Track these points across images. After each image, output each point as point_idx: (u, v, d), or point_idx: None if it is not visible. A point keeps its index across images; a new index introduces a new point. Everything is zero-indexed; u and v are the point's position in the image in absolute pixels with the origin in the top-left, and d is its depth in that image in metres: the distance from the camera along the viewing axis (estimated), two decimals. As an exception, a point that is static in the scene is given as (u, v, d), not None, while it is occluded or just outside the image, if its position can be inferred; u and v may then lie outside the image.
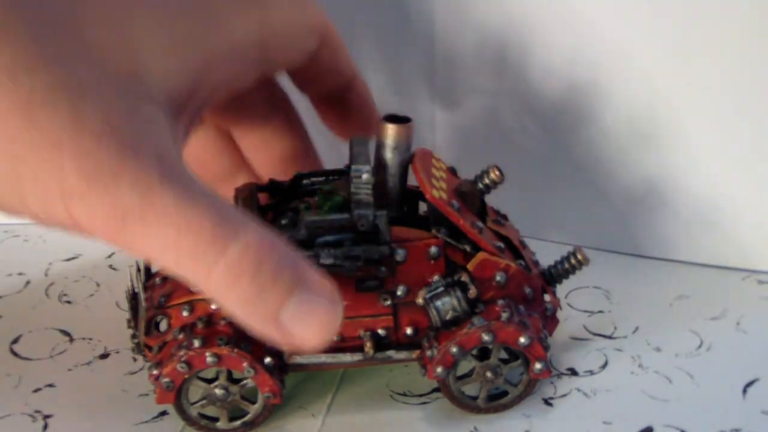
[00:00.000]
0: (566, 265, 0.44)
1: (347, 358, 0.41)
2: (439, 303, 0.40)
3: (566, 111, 0.52)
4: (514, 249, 0.43)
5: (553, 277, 0.44)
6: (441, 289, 0.40)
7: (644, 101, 0.50)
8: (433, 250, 0.41)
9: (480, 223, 0.42)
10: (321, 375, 0.45)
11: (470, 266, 0.41)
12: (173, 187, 0.32)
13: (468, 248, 0.41)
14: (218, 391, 0.41)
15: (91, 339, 0.48)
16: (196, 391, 0.41)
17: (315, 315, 0.34)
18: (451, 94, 0.55)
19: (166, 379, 0.40)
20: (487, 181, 0.43)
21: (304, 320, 0.34)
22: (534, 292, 0.42)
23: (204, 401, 0.41)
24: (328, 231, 0.40)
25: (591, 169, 0.53)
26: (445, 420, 0.42)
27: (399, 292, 0.41)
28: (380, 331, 0.41)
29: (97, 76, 0.33)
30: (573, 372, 0.45)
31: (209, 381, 0.41)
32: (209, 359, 0.40)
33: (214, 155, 0.47)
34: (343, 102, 0.45)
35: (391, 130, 0.41)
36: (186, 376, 0.40)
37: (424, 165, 0.42)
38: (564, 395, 0.43)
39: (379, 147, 0.41)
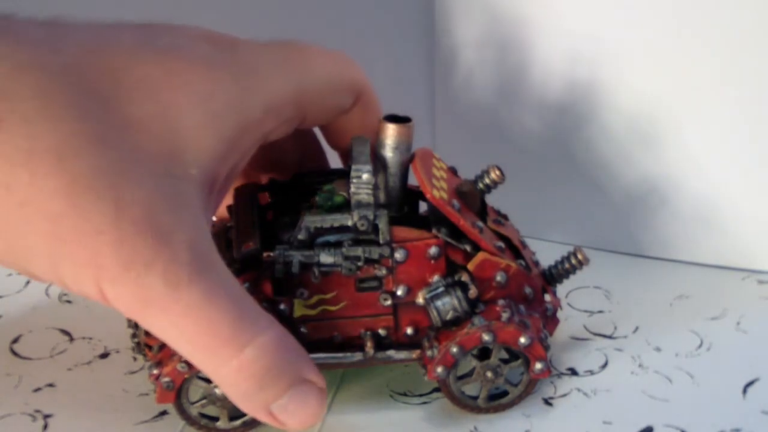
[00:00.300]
0: (566, 265, 0.44)
1: (349, 357, 0.41)
2: (439, 303, 0.40)
3: (566, 110, 0.52)
4: (515, 249, 0.43)
5: (553, 277, 0.44)
6: (441, 289, 0.41)
7: (644, 101, 0.50)
8: (434, 250, 0.40)
9: (480, 223, 0.42)
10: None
11: (471, 266, 0.41)
12: (200, 282, 0.34)
13: (468, 248, 0.41)
14: (218, 391, 0.41)
15: (91, 338, 0.48)
16: (196, 390, 0.41)
17: (304, 407, 0.37)
18: (451, 93, 0.55)
19: (166, 379, 0.40)
20: (487, 181, 0.43)
21: (293, 412, 0.37)
22: (534, 292, 0.42)
23: (204, 401, 0.41)
24: (329, 231, 0.40)
25: (591, 169, 0.53)
26: (446, 420, 0.42)
27: (399, 292, 0.41)
28: (380, 331, 0.41)
29: (139, 158, 0.34)
30: (573, 372, 0.45)
31: (209, 381, 0.41)
32: None
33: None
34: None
35: (391, 130, 0.41)
36: (186, 376, 0.40)
37: (424, 165, 0.42)
38: (564, 395, 0.43)
39: (380, 147, 0.41)
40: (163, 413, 0.43)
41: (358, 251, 0.40)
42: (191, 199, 0.35)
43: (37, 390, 0.44)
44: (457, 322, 0.41)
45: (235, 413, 0.41)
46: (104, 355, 0.47)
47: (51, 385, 0.45)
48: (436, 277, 0.41)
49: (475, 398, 0.42)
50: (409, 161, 0.42)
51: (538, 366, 0.41)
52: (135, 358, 0.46)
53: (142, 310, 0.34)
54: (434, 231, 0.41)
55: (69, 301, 0.51)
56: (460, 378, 0.42)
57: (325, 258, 0.40)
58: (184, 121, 0.35)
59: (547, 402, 0.43)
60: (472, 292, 0.40)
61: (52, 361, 0.46)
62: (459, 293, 0.40)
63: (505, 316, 0.40)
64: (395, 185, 0.41)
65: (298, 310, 0.41)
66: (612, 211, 0.53)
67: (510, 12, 0.51)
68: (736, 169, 0.50)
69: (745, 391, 0.43)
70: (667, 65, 0.49)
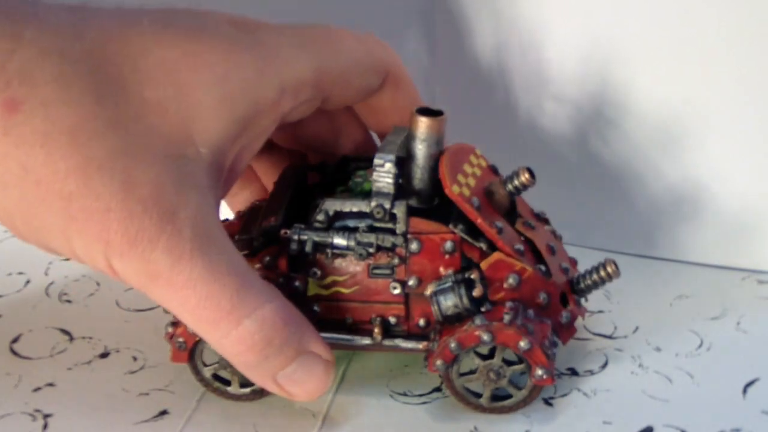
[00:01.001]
0: (595, 276, 0.43)
1: (357, 340, 0.42)
2: (441, 298, 0.41)
3: (567, 110, 0.52)
4: (538, 253, 0.43)
5: (580, 286, 0.43)
6: (449, 284, 0.41)
7: (645, 101, 0.50)
8: (449, 244, 0.41)
9: (500, 224, 0.41)
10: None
11: (483, 265, 0.41)
12: (202, 257, 0.36)
13: (484, 247, 0.41)
14: None
15: (91, 338, 0.48)
16: (212, 354, 0.42)
17: (309, 378, 0.39)
18: (456, 93, 0.55)
19: (180, 339, 0.42)
20: (516, 183, 0.42)
21: (298, 382, 0.39)
22: (550, 298, 0.42)
23: (217, 364, 0.43)
24: (348, 215, 0.41)
25: (590, 170, 0.53)
26: (446, 420, 0.42)
27: (410, 283, 0.41)
28: (391, 319, 0.42)
29: (151, 139, 0.36)
30: (573, 372, 0.45)
31: None
32: None
33: (268, 170, 0.48)
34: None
35: (421, 123, 0.41)
36: (197, 338, 0.42)
37: (454, 160, 0.41)
38: (564, 395, 0.43)
39: (410, 138, 0.41)
40: (163, 413, 0.43)
41: (372, 238, 0.41)
42: (199, 179, 0.37)
43: (37, 390, 0.44)
44: (461, 318, 0.41)
45: (246, 380, 0.42)
46: (104, 355, 0.47)
47: (51, 384, 0.45)
48: (448, 272, 0.41)
49: (479, 396, 0.42)
50: (439, 155, 0.41)
51: (539, 372, 0.41)
52: (135, 358, 0.46)
53: (148, 284, 0.36)
54: (451, 226, 0.41)
55: (69, 301, 0.51)
56: (463, 375, 0.42)
57: (339, 240, 0.41)
58: (198, 102, 0.37)
59: (547, 402, 0.43)
60: (477, 290, 0.40)
61: (52, 360, 0.46)
62: (463, 290, 0.40)
63: (507, 318, 0.40)
64: (423, 177, 0.41)
65: (312, 289, 0.42)
66: (612, 211, 0.53)
67: (526, 12, 0.51)
68: (737, 170, 0.50)
69: (745, 391, 0.43)
70: (675, 64, 0.49)
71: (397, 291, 0.41)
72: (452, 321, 0.41)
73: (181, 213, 0.35)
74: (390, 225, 0.41)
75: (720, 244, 0.52)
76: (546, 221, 0.46)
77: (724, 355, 0.46)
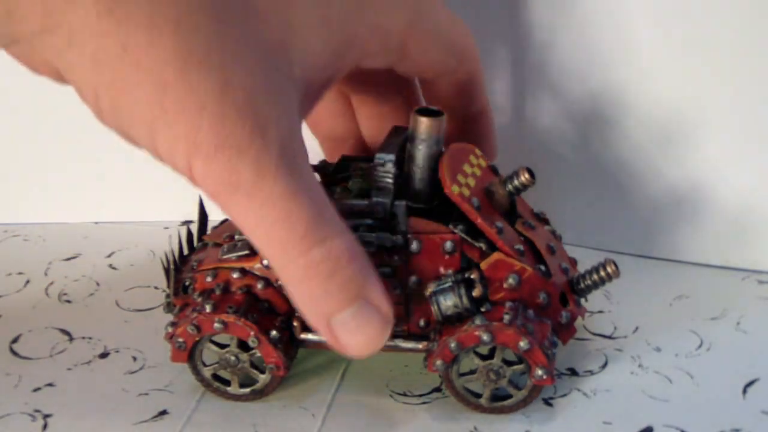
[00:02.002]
0: (595, 276, 0.42)
1: None
2: (441, 298, 0.40)
3: (567, 109, 0.52)
4: (538, 253, 0.43)
5: (580, 286, 0.43)
6: (448, 284, 0.41)
7: (645, 101, 0.50)
8: (449, 245, 0.41)
9: (500, 224, 0.41)
10: (321, 375, 0.45)
11: (483, 265, 0.41)
12: (285, 177, 0.34)
13: (484, 247, 0.41)
14: (231, 357, 0.42)
15: (91, 338, 0.48)
16: (212, 354, 0.42)
17: (363, 329, 0.37)
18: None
19: (180, 339, 0.42)
20: (516, 183, 0.42)
21: (352, 331, 0.37)
22: (550, 298, 0.42)
23: (217, 365, 0.43)
24: (348, 215, 0.40)
25: (589, 170, 0.53)
26: (446, 420, 0.42)
27: (410, 283, 0.41)
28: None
29: (252, 46, 0.34)
30: (573, 372, 0.45)
31: (222, 346, 0.43)
32: (216, 325, 0.41)
33: (330, 116, 0.48)
34: (463, 128, 0.45)
35: (421, 123, 0.41)
36: (196, 339, 0.42)
37: (454, 160, 0.42)
38: (564, 395, 0.43)
39: (410, 138, 0.41)
40: (163, 413, 0.43)
41: (371, 237, 0.41)
42: (290, 98, 0.36)
43: (37, 390, 0.44)
44: (461, 318, 0.41)
45: (245, 380, 0.43)
46: (104, 355, 0.47)
47: (51, 384, 0.45)
48: (448, 272, 0.41)
49: (479, 396, 0.42)
50: (439, 155, 0.41)
51: (539, 372, 0.41)
52: (134, 358, 0.46)
53: (227, 194, 0.34)
54: (451, 226, 0.41)
55: (69, 301, 0.51)
56: (463, 375, 0.42)
57: None
58: (300, 19, 0.36)
59: (547, 402, 0.43)
60: (477, 290, 0.40)
61: (51, 360, 0.46)
62: (462, 290, 0.40)
63: (506, 318, 0.40)
64: (423, 177, 0.41)
65: None
66: (612, 211, 0.53)
67: (530, 12, 0.51)
68: (737, 170, 0.50)
69: (745, 391, 0.43)
70: (676, 64, 0.49)
71: (397, 291, 0.41)
72: (452, 321, 0.41)
73: (272, 128, 0.34)
74: (390, 224, 0.41)
75: (720, 244, 0.52)
76: (546, 221, 0.45)
77: (724, 355, 0.46)
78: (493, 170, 0.44)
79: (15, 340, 0.48)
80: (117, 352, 0.47)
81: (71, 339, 0.48)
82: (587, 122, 0.52)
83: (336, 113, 0.48)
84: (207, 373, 0.43)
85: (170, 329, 0.42)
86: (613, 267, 0.42)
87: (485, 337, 0.40)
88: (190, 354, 0.43)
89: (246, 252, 0.42)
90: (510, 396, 0.42)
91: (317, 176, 0.38)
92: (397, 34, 0.40)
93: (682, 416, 0.42)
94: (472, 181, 0.42)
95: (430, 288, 0.41)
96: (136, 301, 0.51)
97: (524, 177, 0.41)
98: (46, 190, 0.58)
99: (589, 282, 0.42)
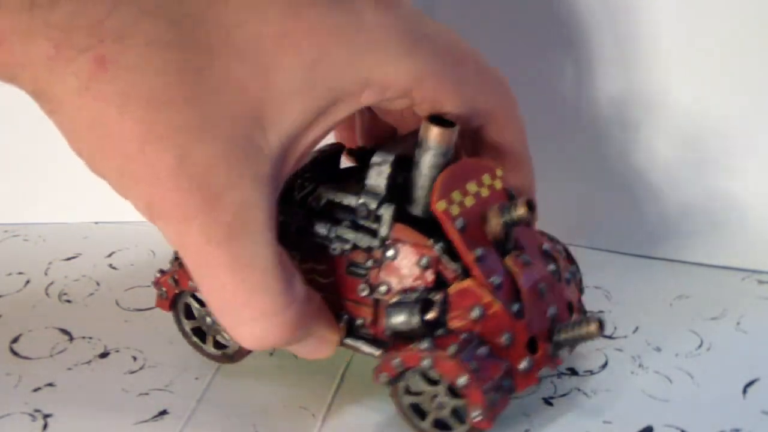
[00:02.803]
0: (575, 331, 0.39)
1: None
2: (393, 312, 0.39)
3: (567, 109, 0.52)
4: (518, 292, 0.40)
5: (558, 338, 0.40)
6: (409, 300, 0.39)
7: (648, 101, 0.50)
8: (424, 260, 0.39)
9: (482, 251, 0.39)
10: (321, 375, 0.45)
11: (451, 289, 0.39)
12: (232, 246, 0.36)
13: (458, 270, 0.39)
14: (208, 320, 0.44)
15: (91, 338, 0.48)
16: (196, 311, 0.44)
17: (309, 351, 0.41)
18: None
19: (163, 288, 0.44)
20: (513, 214, 0.39)
21: (298, 349, 0.40)
22: (514, 340, 0.39)
23: (195, 321, 0.45)
24: (338, 207, 0.41)
25: (591, 170, 0.53)
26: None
27: (380, 288, 0.40)
28: (358, 320, 0.41)
29: (222, 118, 0.36)
30: (573, 372, 0.45)
31: (202, 303, 0.44)
32: (191, 284, 0.43)
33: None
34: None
35: (431, 132, 0.39)
36: (176, 291, 0.44)
37: (456, 175, 0.40)
38: (564, 395, 0.43)
39: (418, 145, 0.40)
40: (163, 413, 0.43)
41: (350, 235, 0.40)
42: (259, 165, 0.37)
43: (37, 390, 0.44)
44: (412, 337, 0.39)
45: (221, 344, 0.44)
46: (104, 355, 0.47)
47: (51, 384, 0.45)
48: (418, 287, 0.40)
49: (423, 418, 0.40)
50: (444, 166, 0.40)
51: (475, 413, 0.38)
52: (135, 358, 0.46)
53: (180, 251, 0.37)
54: (431, 242, 0.39)
55: (69, 301, 0.51)
56: (411, 393, 0.40)
57: (319, 229, 0.41)
58: (278, 86, 0.36)
59: (547, 402, 0.43)
60: (432, 314, 0.39)
61: (51, 360, 0.46)
62: (417, 310, 0.39)
63: (452, 348, 0.38)
64: (424, 186, 0.40)
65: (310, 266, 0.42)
66: (612, 211, 0.53)
67: (543, 10, 0.51)
68: (736, 170, 0.50)
69: (745, 391, 0.43)
70: (683, 63, 0.49)
71: (365, 293, 0.40)
72: (402, 338, 0.39)
73: (227, 198, 0.36)
74: (375, 226, 0.40)
75: (720, 244, 0.52)
76: (553, 259, 0.42)
77: (724, 355, 0.46)
78: (508, 195, 0.42)
79: (15, 340, 0.48)
80: (117, 352, 0.47)
81: (71, 339, 0.48)
82: (590, 122, 0.52)
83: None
84: (188, 326, 0.45)
85: (158, 275, 0.44)
86: (596, 326, 0.39)
87: (426, 362, 0.38)
88: (171, 303, 0.44)
89: None
90: (451, 428, 0.40)
91: (274, 244, 0.37)
92: (397, 86, 0.39)
93: (682, 416, 0.42)
94: (470, 201, 0.40)
95: (394, 299, 0.40)
96: (136, 301, 0.51)
97: (521, 210, 0.39)
98: (46, 190, 0.58)
99: (567, 335, 0.40)
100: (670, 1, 0.48)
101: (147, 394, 0.44)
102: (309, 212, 0.41)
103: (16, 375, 0.45)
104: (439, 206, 0.39)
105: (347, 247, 0.40)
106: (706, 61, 0.49)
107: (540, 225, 0.54)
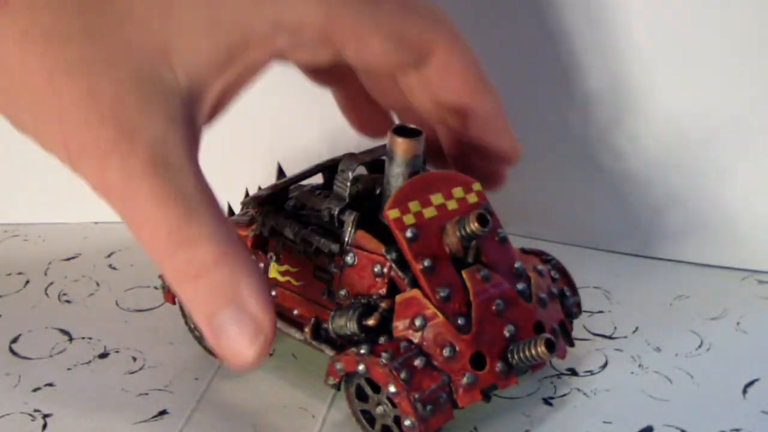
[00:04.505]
0: (525, 351, 0.39)
1: (292, 332, 0.42)
2: (337, 315, 0.39)
3: (567, 109, 0.52)
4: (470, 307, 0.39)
5: (512, 358, 0.39)
6: (353, 305, 0.39)
7: (647, 101, 0.50)
8: (377, 267, 0.39)
9: (431, 263, 0.39)
10: (321, 375, 0.44)
11: (398, 298, 0.39)
12: (152, 179, 0.35)
13: (407, 280, 0.39)
14: None
15: (90, 338, 0.48)
16: None
17: (234, 336, 0.36)
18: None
19: (167, 282, 0.43)
20: (467, 228, 0.39)
21: (226, 336, 0.36)
22: (456, 354, 0.38)
23: None
24: (310, 211, 0.41)
25: (590, 169, 0.53)
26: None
27: (340, 293, 0.40)
28: (324, 324, 0.41)
29: (126, 52, 0.36)
30: (573, 372, 0.45)
31: None
32: None
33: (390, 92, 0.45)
34: (465, 130, 0.43)
35: (396, 144, 0.40)
36: None
37: (419, 186, 0.40)
38: (564, 395, 0.43)
39: (387, 154, 0.41)
40: (163, 413, 0.43)
41: (314, 239, 0.41)
42: (170, 103, 0.36)
43: (37, 390, 0.44)
44: (355, 342, 0.39)
45: None
46: (104, 355, 0.47)
47: (50, 384, 0.45)
48: (371, 293, 0.40)
49: (372, 425, 0.40)
50: (411, 175, 0.40)
51: (406, 422, 0.38)
52: (134, 358, 0.46)
53: (103, 194, 0.36)
54: (384, 250, 0.39)
55: (68, 301, 0.51)
56: (361, 399, 0.40)
57: (288, 232, 0.42)
58: (184, 22, 0.36)
59: (547, 402, 0.43)
60: (371, 320, 0.39)
61: (51, 360, 0.46)
62: (356, 315, 0.39)
63: (384, 356, 0.38)
64: (389, 195, 0.40)
65: (272, 272, 0.43)
66: (613, 211, 0.53)
67: (536, 12, 0.51)
68: (736, 170, 0.50)
69: (745, 391, 0.43)
70: (681, 65, 0.49)
71: (325, 297, 0.41)
72: (347, 342, 0.40)
73: (140, 132, 0.35)
74: (339, 231, 0.40)
75: (720, 244, 0.52)
76: (527, 278, 0.41)
77: (724, 355, 0.46)
78: (481, 213, 0.39)
79: (15, 340, 0.48)
80: (117, 352, 0.47)
81: (71, 339, 0.48)
82: (590, 122, 0.52)
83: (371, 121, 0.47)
84: (190, 320, 0.45)
85: None
86: (543, 348, 0.38)
87: (361, 367, 0.38)
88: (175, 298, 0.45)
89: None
90: None
91: (198, 176, 0.37)
92: (311, 28, 0.38)
93: (682, 416, 0.42)
94: (431, 213, 0.40)
95: (345, 303, 0.40)
96: (136, 301, 0.51)
97: (473, 225, 0.38)
98: (46, 190, 0.58)
99: (519, 356, 0.39)
100: (664, 1, 0.49)
101: (146, 394, 0.44)
102: (284, 214, 0.42)
103: (15, 375, 0.45)
104: (391, 214, 0.39)
105: (311, 250, 0.41)
106: (706, 60, 0.49)
107: (540, 225, 0.54)
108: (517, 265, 0.41)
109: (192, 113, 0.37)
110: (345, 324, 0.39)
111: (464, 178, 0.41)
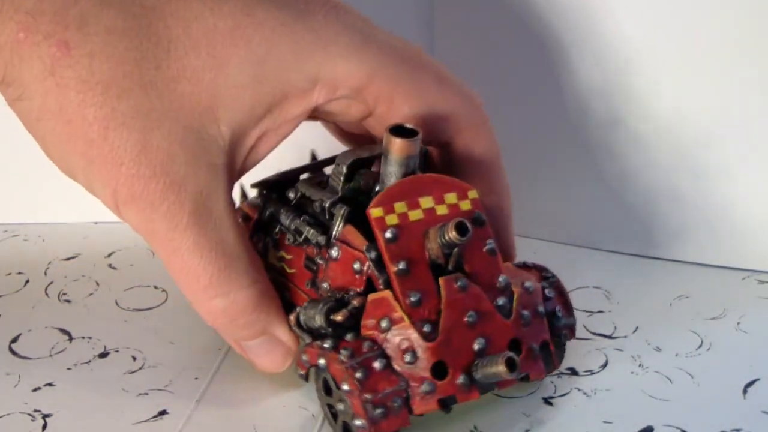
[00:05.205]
0: (486, 367, 0.38)
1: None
2: (306, 308, 0.40)
3: (567, 108, 0.52)
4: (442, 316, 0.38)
5: (476, 373, 0.38)
6: (327, 300, 0.39)
7: (647, 100, 0.50)
8: (357, 264, 0.39)
9: (407, 266, 0.38)
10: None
11: (370, 297, 0.39)
12: (195, 232, 0.38)
13: (381, 280, 0.39)
14: None
15: (90, 338, 0.48)
16: None
17: (267, 356, 0.42)
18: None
19: None
20: (447, 236, 0.38)
21: (257, 355, 0.42)
22: (419, 360, 0.38)
23: None
24: (308, 202, 0.42)
25: (592, 169, 0.53)
26: (445, 419, 0.42)
27: (323, 285, 0.41)
28: None
29: (178, 108, 0.38)
30: (573, 372, 0.45)
31: None
32: None
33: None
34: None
35: (392, 143, 0.39)
36: None
37: (409, 187, 0.39)
38: (564, 395, 0.43)
39: (383, 153, 0.40)
40: (163, 413, 0.43)
41: (304, 228, 0.41)
42: (214, 156, 0.39)
43: (37, 389, 0.44)
44: (325, 336, 0.39)
45: None
46: (104, 355, 0.47)
47: (50, 384, 0.44)
48: (351, 289, 0.40)
49: (336, 420, 0.40)
50: (406, 176, 0.40)
51: (356, 422, 0.38)
52: (134, 358, 0.46)
53: (147, 237, 0.39)
54: (365, 248, 0.39)
55: (68, 301, 0.51)
56: (327, 394, 0.40)
57: (283, 219, 0.42)
58: (230, 78, 0.38)
59: (547, 402, 0.43)
60: (339, 315, 0.39)
61: (51, 360, 0.46)
62: (324, 309, 0.39)
63: (344, 353, 0.38)
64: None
65: (271, 257, 0.44)
66: (613, 211, 0.53)
67: (522, 10, 0.51)
68: (736, 170, 0.50)
69: (745, 391, 0.43)
70: (680, 64, 0.49)
71: (309, 287, 0.42)
72: (318, 335, 0.40)
73: (188, 186, 0.38)
74: (329, 224, 0.41)
75: (720, 244, 0.52)
76: (509, 293, 0.40)
77: (724, 355, 0.46)
78: (474, 217, 0.40)
79: (15, 340, 0.48)
80: (117, 351, 0.47)
81: (71, 339, 0.48)
82: (590, 121, 0.52)
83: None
84: None
85: None
86: (503, 366, 0.37)
87: (321, 361, 0.38)
88: None
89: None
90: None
91: (236, 227, 0.40)
92: (348, 85, 0.40)
93: (682, 416, 0.42)
94: (417, 215, 0.39)
95: (325, 296, 0.40)
96: (135, 300, 0.51)
97: (451, 233, 0.37)
98: (46, 190, 0.57)
99: (481, 370, 0.38)
100: (665, 2, 0.49)
101: (146, 394, 0.44)
102: (284, 201, 0.43)
103: (15, 375, 0.45)
104: (373, 213, 0.39)
105: (300, 239, 0.41)
106: (707, 60, 0.49)
107: (541, 225, 0.54)
108: (501, 278, 0.40)
109: (231, 162, 0.40)
110: (314, 316, 0.39)
111: (460, 184, 0.41)
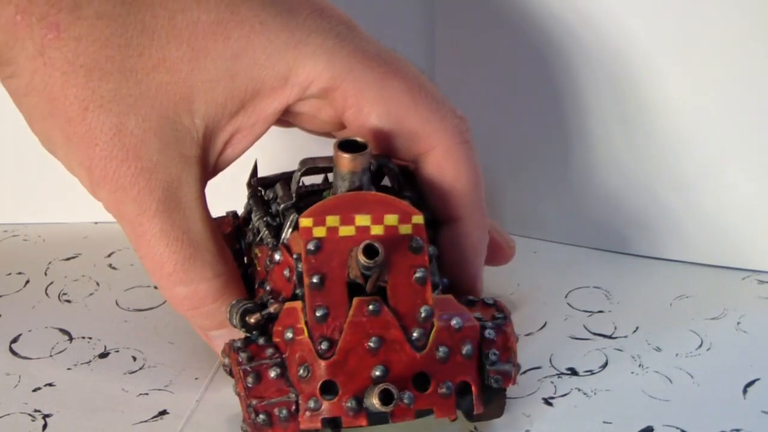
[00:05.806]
0: (368, 397, 0.37)
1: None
2: (231, 307, 0.40)
3: (566, 109, 0.52)
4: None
5: (366, 398, 0.37)
6: (247, 302, 0.40)
7: (647, 100, 0.50)
8: (286, 270, 0.39)
9: (321, 279, 0.37)
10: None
11: (286, 305, 0.39)
12: (163, 219, 0.39)
13: (298, 290, 0.39)
14: None
15: (90, 338, 0.48)
16: None
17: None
18: (452, 86, 0.55)
19: None
20: (359, 259, 0.36)
21: (220, 346, 0.41)
22: (311, 376, 0.37)
23: None
24: (276, 203, 0.43)
25: (591, 169, 0.53)
26: (445, 419, 0.42)
27: (267, 287, 0.41)
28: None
29: (156, 96, 0.39)
30: (573, 372, 0.45)
31: None
32: None
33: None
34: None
35: (340, 159, 0.39)
36: None
37: (346, 202, 0.38)
38: (564, 395, 0.43)
39: (334, 168, 0.40)
40: (163, 413, 0.43)
41: (261, 228, 0.42)
42: (187, 146, 0.40)
43: (37, 390, 0.44)
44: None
45: None
46: (104, 355, 0.47)
47: (50, 384, 0.45)
48: (281, 295, 0.40)
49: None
50: (351, 190, 0.39)
51: (243, 426, 0.39)
52: (134, 358, 0.46)
53: (117, 217, 0.40)
54: (295, 256, 0.39)
55: (68, 301, 0.51)
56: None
57: (253, 216, 0.43)
58: (207, 71, 0.39)
59: (547, 402, 0.43)
60: (253, 318, 0.39)
61: (51, 360, 0.46)
62: (241, 309, 0.39)
63: (242, 356, 0.38)
64: None
65: (251, 253, 0.44)
66: (613, 211, 0.53)
67: (515, 10, 0.51)
68: (736, 170, 0.50)
69: (745, 391, 0.43)
70: (668, 63, 0.49)
71: (258, 287, 0.42)
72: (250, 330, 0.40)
73: (159, 173, 0.39)
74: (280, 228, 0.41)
75: (720, 244, 0.52)
76: (425, 328, 0.38)
77: (724, 355, 0.46)
78: (411, 244, 0.38)
79: (15, 340, 0.48)
80: (117, 351, 0.47)
81: (71, 339, 0.48)
82: (590, 123, 0.52)
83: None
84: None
85: None
86: (375, 399, 0.36)
87: (226, 360, 0.40)
88: None
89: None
90: None
91: (205, 219, 0.40)
92: (317, 85, 0.40)
93: (682, 416, 0.42)
94: (348, 232, 0.38)
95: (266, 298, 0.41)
96: (136, 301, 0.51)
97: (360, 255, 0.36)
98: (46, 190, 0.58)
99: (367, 400, 0.37)
100: (665, 3, 0.48)
101: (146, 394, 0.44)
102: (261, 201, 0.43)
103: (15, 375, 0.45)
104: (302, 222, 0.38)
105: (257, 239, 0.42)
106: (707, 60, 0.49)
107: (541, 225, 0.54)
108: (423, 309, 0.38)
109: (205, 155, 0.40)
110: (230, 318, 0.40)
111: (406, 207, 0.39)
